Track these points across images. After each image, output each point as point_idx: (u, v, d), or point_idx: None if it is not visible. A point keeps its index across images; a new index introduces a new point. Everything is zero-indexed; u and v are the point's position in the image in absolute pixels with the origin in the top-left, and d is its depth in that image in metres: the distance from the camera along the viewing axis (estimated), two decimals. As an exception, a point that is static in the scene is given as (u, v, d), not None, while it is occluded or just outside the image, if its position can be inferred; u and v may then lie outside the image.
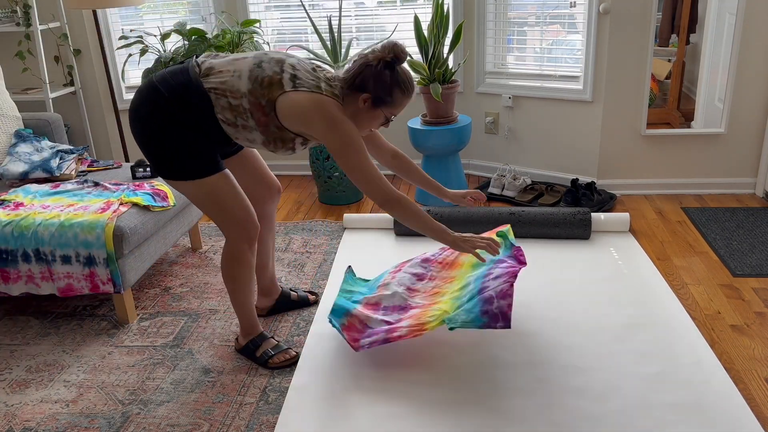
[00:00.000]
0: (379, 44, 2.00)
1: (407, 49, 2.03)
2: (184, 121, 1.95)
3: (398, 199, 1.99)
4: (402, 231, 3.16)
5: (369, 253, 3.02)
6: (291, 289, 2.64)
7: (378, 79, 1.96)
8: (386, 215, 3.25)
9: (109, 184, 2.76)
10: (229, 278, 2.19)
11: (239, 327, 2.32)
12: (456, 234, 2.07)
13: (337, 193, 3.69)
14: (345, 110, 2.00)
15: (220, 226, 2.11)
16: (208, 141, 2.01)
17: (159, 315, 2.62)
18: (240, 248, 2.13)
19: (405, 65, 2.02)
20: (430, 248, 3.02)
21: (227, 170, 2.08)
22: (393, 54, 1.95)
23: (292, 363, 2.24)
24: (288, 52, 2.14)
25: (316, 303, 2.63)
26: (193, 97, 1.94)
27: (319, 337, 2.37)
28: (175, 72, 1.99)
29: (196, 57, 2.05)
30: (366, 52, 2.02)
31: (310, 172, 4.25)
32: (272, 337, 2.31)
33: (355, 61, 2.02)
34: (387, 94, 1.97)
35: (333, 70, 2.05)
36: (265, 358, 2.24)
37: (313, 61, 2.06)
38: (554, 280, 2.70)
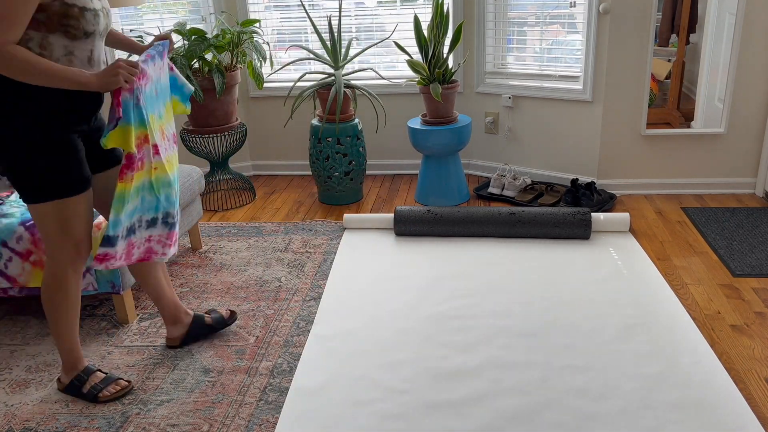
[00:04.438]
0: None
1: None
2: (26, 118, 1.77)
3: (14, 54, 1.68)
4: (401, 231, 3.16)
5: (369, 253, 3.02)
6: (206, 313, 2.45)
7: None
8: (387, 215, 3.25)
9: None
10: (50, 306, 2.03)
11: (61, 364, 2.18)
12: (92, 73, 1.81)
13: (337, 193, 3.69)
14: None
15: (52, 245, 1.94)
16: (71, 122, 1.85)
17: (159, 315, 2.62)
18: (66, 271, 1.99)
19: None
20: (432, 250, 3.03)
21: (90, 189, 1.96)
22: None
23: (125, 393, 2.13)
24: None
25: (233, 320, 2.45)
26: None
27: (319, 337, 2.37)
28: None
29: None
30: None
31: (310, 172, 4.25)
32: (99, 370, 2.17)
33: None
34: None
35: None
36: (94, 393, 2.10)
37: None
38: (554, 280, 2.70)
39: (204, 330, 2.41)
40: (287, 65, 3.93)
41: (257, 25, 3.76)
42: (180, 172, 2.95)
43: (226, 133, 3.60)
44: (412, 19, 3.74)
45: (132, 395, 2.13)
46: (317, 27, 3.70)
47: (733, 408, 1.92)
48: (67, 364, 2.14)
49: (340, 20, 3.54)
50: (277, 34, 4.09)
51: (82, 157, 1.93)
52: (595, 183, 3.47)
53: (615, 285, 2.63)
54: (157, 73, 2.06)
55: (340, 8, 3.62)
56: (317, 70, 3.79)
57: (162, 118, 2.07)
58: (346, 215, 3.32)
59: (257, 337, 2.42)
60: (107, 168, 2.09)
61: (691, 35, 3.53)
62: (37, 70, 1.72)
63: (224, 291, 2.77)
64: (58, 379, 2.18)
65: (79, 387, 2.12)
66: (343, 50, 3.64)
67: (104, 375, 2.15)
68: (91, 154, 2.03)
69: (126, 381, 2.16)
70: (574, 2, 3.50)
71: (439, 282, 2.73)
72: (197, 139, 3.59)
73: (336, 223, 3.41)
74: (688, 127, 3.61)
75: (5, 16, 1.65)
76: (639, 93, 3.44)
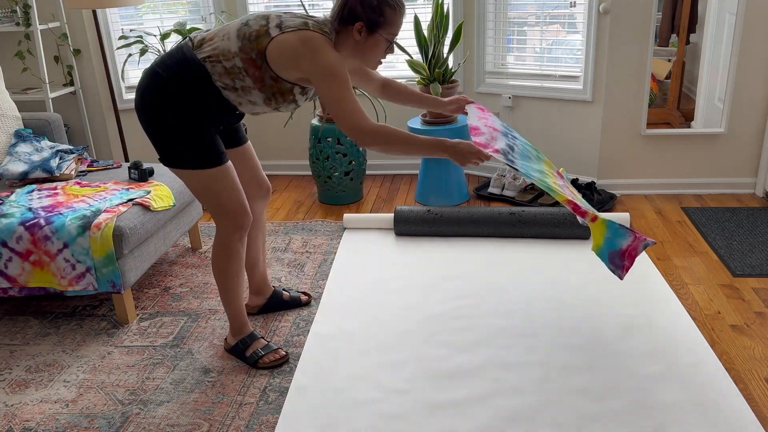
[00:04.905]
0: None
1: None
2: (188, 101, 1.96)
3: (376, 130, 1.92)
4: (402, 231, 3.16)
5: (369, 253, 3.02)
6: (284, 289, 2.65)
7: (364, 3, 1.94)
8: (387, 215, 3.25)
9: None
10: (220, 272, 2.20)
11: (229, 326, 2.32)
12: (452, 142, 1.99)
13: (337, 193, 3.69)
14: (342, 47, 2.01)
15: (214, 216, 2.14)
16: (213, 122, 2.03)
17: (159, 315, 2.62)
18: (231, 239, 2.15)
19: None
20: (432, 250, 3.03)
21: (230, 162, 2.11)
22: None
23: (282, 363, 2.25)
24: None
25: (308, 304, 2.64)
26: (191, 72, 1.96)
27: (319, 337, 2.37)
28: (170, 53, 2.02)
29: (189, 36, 2.08)
30: None
31: (310, 172, 4.25)
32: (262, 337, 2.31)
33: None
34: (378, 15, 1.94)
35: (323, 16, 2.06)
36: (255, 359, 2.24)
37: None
38: (554, 280, 2.70)
39: (281, 305, 2.58)
40: (287, 65, 3.92)
41: (257, 25, 3.75)
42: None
43: (226, 133, 3.59)
44: (412, 19, 3.74)
45: (132, 395, 2.13)
46: (317, 27, 3.69)
47: (733, 408, 1.91)
48: (234, 327, 2.29)
49: (340, 20, 3.54)
50: (277, 34, 4.08)
51: (214, 139, 2.06)
52: (595, 183, 3.47)
53: (615, 285, 2.63)
54: (500, 128, 2.24)
55: (340, 8, 3.61)
56: (317, 70, 3.79)
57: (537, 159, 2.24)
58: (346, 215, 3.32)
59: (257, 337, 2.42)
60: (237, 146, 2.29)
61: (691, 35, 3.53)
62: (402, 140, 1.94)
63: (224, 291, 2.77)
64: (225, 339, 2.34)
65: (243, 350, 2.27)
66: (343, 50, 3.63)
67: (266, 342, 2.29)
68: (223, 134, 2.26)
69: (284, 351, 2.28)
70: (574, 2, 3.50)
71: (439, 282, 2.73)
72: (197, 139, 3.58)
73: (336, 223, 3.41)
74: (688, 127, 3.61)
75: (353, 106, 1.91)
76: (639, 93, 3.44)
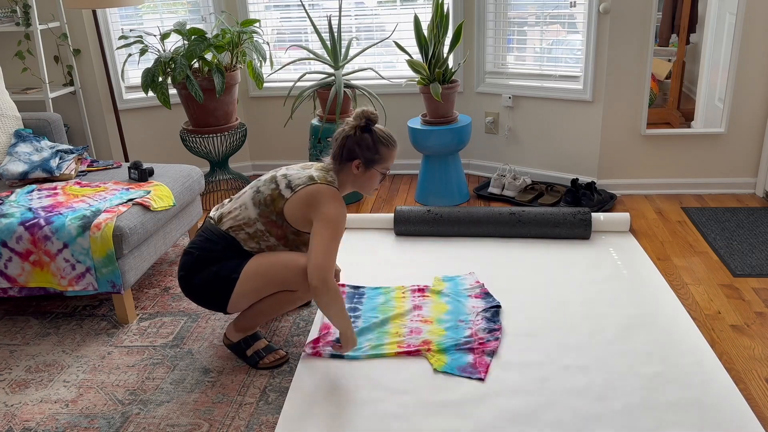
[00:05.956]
0: (351, 117, 2.19)
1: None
2: (223, 266, 2.13)
3: (334, 290, 2.04)
4: (401, 231, 3.16)
5: (369, 253, 3.02)
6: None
7: (361, 144, 2.15)
8: (387, 215, 3.25)
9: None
10: (278, 304, 2.23)
11: (234, 321, 2.28)
12: (351, 334, 2.15)
13: (337, 193, 3.68)
14: (344, 183, 2.21)
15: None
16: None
17: (159, 315, 2.62)
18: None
19: (379, 125, 2.21)
20: (432, 250, 3.03)
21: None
22: (365, 119, 2.16)
23: (282, 363, 2.25)
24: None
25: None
26: (219, 244, 2.14)
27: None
28: (198, 234, 2.22)
29: (208, 215, 2.28)
30: (341, 126, 2.20)
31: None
32: (264, 338, 2.30)
33: (335, 139, 2.20)
34: (374, 153, 2.16)
35: (325, 160, 2.25)
36: (256, 359, 2.24)
37: (307, 164, 2.25)
38: (554, 280, 2.70)
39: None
40: (287, 65, 3.93)
41: (257, 24, 3.76)
42: (180, 172, 2.95)
43: (226, 133, 3.60)
44: (412, 19, 3.74)
45: (132, 395, 2.13)
46: (317, 27, 3.70)
47: (733, 408, 1.92)
48: (242, 324, 2.27)
49: (340, 20, 3.54)
50: (277, 33, 4.09)
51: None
52: (595, 183, 3.47)
53: (615, 285, 2.63)
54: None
55: (340, 8, 3.62)
56: (317, 70, 3.79)
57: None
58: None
59: (257, 337, 2.42)
60: None
61: (691, 35, 3.53)
62: (339, 306, 2.07)
63: (224, 291, 2.77)
64: (225, 334, 2.31)
65: (244, 349, 2.27)
66: (343, 50, 3.64)
67: (267, 343, 2.29)
68: None
69: (284, 352, 2.29)
70: (574, 2, 3.50)
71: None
72: (197, 139, 3.59)
73: (336, 223, 3.41)
74: (688, 127, 3.61)
75: (332, 255, 2.04)
76: (639, 93, 3.44)
